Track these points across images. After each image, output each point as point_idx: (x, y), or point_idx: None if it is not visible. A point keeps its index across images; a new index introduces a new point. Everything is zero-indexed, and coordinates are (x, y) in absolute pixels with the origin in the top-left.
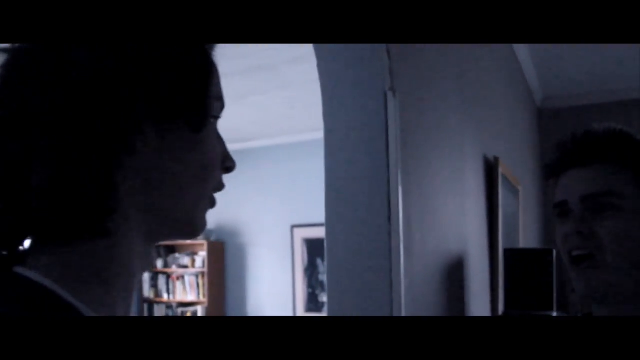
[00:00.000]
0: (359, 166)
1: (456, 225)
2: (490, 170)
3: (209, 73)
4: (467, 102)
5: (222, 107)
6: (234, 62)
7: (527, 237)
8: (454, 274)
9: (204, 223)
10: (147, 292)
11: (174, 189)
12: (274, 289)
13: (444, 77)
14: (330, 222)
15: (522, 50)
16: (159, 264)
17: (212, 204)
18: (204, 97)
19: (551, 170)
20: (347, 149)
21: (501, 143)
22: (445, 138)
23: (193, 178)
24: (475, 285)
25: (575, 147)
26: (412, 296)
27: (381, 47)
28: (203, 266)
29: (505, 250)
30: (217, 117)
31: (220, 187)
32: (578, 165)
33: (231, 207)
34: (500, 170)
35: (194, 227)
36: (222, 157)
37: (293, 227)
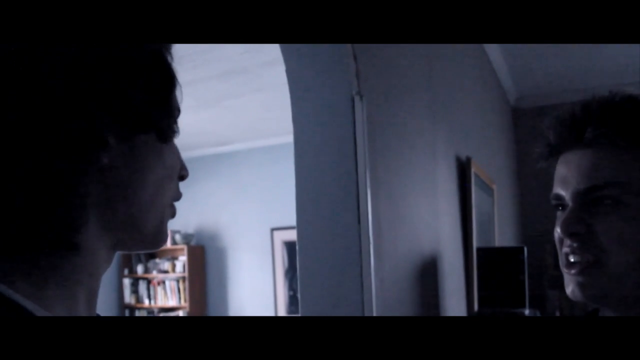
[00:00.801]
0: (328, 169)
1: (429, 226)
2: (463, 170)
3: (172, 84)
4: (438, 104)
5: (179, 116)
6: (209, 66)
7: (503, 236)
8: (428, 274)
9: (167, 233)
10: (128, 298)
11: (141, 200)
12: (255, 291)
13: (413, 79)
14: (302, 225)
15: (494, 51)
16: (140, 269)
17: (173, 214)
18: (170, 108)
19: (549, 150)
20: (316, 152)
21: (474, 143)
22: (416, 140)
23: (158, 188)
24: (450, 284)
25: (575, 122)
26: (384, 297)
27: (348, 52)
28: (183, 271)
29: (478, 249)
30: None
31: (178, 196)
32: (578, 145)
33: (210, 211)
34: (473, 169)
35: (159, 237)
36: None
37: (273, 229)
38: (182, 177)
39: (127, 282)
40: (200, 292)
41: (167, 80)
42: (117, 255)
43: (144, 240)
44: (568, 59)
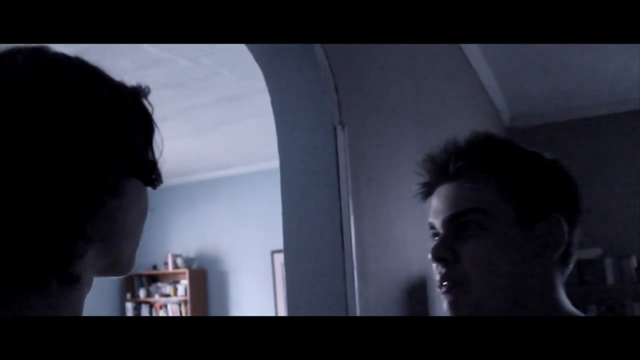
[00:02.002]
0: (312, 197)
1: (417, 249)
2: None
3: (153, 130)
4: (426, 127)
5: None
6: (205, 93)
7: None
8: (417, 295)
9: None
10: None
11: (128, 233)
12: (256, 314)
13: (399, 104)
14: (288, 250)
15: (485, 71)
16: (142, 293)
17: None
18: (153, 152)
19: (426, 187)
20: (301, 180)
21: None
22: (403, 163)
23: (139, 222)
24: (441, 305)
25: (441, 160)
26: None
27: (329, 84)
28: (185, 294)
29: None
30: None
31: None
32: (445, 181)
33: (211, 235)
34: None
35: (131, 265)
36: None
37: (273, 252)
38: None
39: (129, 306)
40: (202, 315)
41: (152, 127)
42: (120, 280)
43: (119, 268)
44: (562, 78)
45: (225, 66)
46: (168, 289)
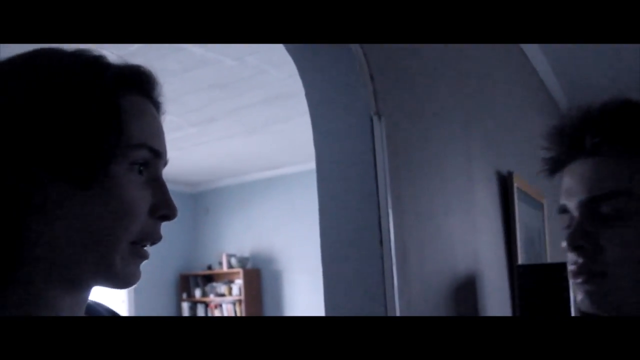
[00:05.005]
0: (349, 191)
1: (465, 244)
2: (505, 186)
3: (106, 124)
4: (473, 119)
5: (149, 151)
6: (253, 92)
7: (556, 252)
8: (465, 294)
9: (130, 272)
10: None
11: (85, 239)
12: (310, 313)
13: (442, 94)
14: (325, 247)
15: (538, 59)
16: (197, 293)
17: (141, 254)
18: (92, 151)
19: (553, 164)
20: (338, 174)
21: (517, 157)
22: (448, 156)
23: (105, 228)
24: (492, 304)
25: (575, 132)
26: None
27: (364, 73)
28: (240, 294)
29: (518, 267)
30: (140, 164)
31: (152, 237)
32: (580, 156)
33: (265, 234)
34: (516, 184)
35: (118, 277)
36: (154, 204)
37: None
38: (163, 217)
39: (185, 306)
40: (256, 315)
41: (95, 122)
42: (176, 280)
43: (101, 278)
44: (620, 66)
45: (271, 64)
46: (223, 288)
